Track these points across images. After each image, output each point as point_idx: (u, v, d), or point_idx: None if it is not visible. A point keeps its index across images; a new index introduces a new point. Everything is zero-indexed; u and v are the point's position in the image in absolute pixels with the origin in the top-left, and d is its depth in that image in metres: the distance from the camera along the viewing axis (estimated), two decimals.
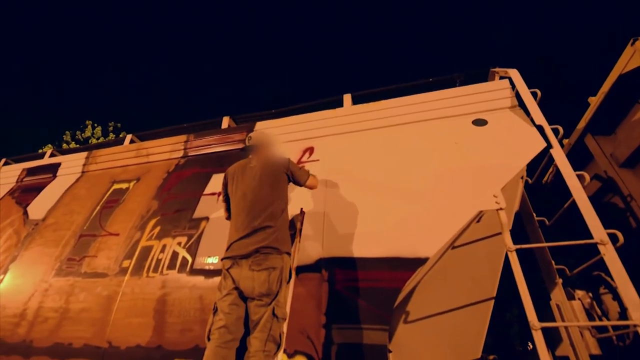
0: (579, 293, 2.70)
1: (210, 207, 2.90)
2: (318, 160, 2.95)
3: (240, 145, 3.36)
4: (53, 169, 4.22)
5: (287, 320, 1.82)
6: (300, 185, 2.28)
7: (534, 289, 2.87)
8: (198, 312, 2.30)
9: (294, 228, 2.30)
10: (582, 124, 4.23)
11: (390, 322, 2.73)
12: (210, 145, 3.53)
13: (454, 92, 3.02)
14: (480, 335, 2.67)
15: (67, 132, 14.00)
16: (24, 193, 4.04)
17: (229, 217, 2.17)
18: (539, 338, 1.75)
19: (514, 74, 2.85)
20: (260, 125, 3.51)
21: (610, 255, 1.88)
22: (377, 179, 2.64)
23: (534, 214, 2.98)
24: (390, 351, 2.59)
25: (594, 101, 3.87)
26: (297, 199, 2.58)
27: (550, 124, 2.54)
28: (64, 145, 13.15)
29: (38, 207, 3.70)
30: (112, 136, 14.00)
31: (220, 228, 2.63)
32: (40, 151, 4.81)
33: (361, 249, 2.25)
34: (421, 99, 3.07)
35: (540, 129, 2.51)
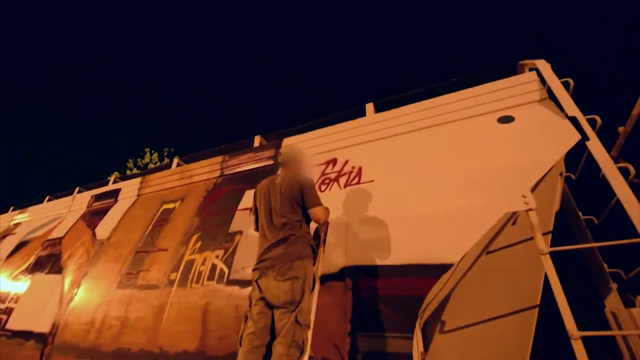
0: None
1: (243, 221, 3.11)
2: (373, 181, 2.77)
3: (269, 162, 3.57)
4: (115, 194, 4.83)
5: (311, 328, 1.89)
6: (306, 209, 2.13)
7: (585, 296, 2.62)
8: (234, 320, 2.48)
9: (318, 238, 2.38)
10: (637, 109, 3.78)
11: (425, 332, 2.67)
12: (242, 163, 3.79)
13: (477, 91, 2.92)
14: (525, 347, 2.48)
15: (129, 159, 15.70)
16: (93, 216, 4.67)
17: (257, 228, 2.32)
18: (579, 349, 1.62)
19: (541, 64, 2.68)
20: (287, 142, 3.69)
21: None
22: (400, 185, 2.64)
23: (580, 213, 2.72)
24: None
25: None
26: None
27: (600, 112, 2.32)
28: (127, 172, 14.77)
29: (103, 228, 4.25)
30: (167, 160, 15.46)
31: (252, 240, 2.81)
32: (108, 179, 5.52)
33: (384, 257, 2.26)
34: (443, 101, 3.02)
35: (574, 120, 2.33)
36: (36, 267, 4.43)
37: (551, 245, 2.29)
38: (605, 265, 2.47)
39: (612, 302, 2.31)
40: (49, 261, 4.34)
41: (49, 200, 6.07)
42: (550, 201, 2.58)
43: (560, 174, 2.63)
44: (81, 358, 2.93)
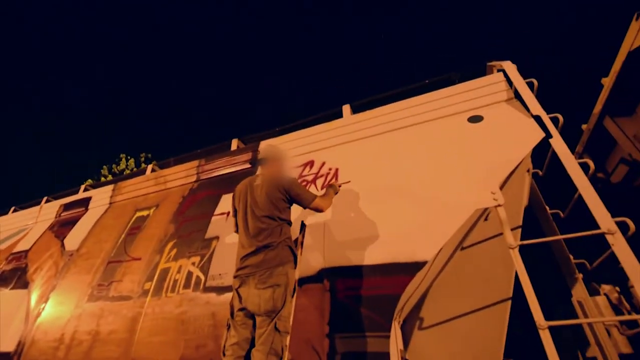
0: (605, 288, 2.52)
1: (220, 227, 3.05)
2: (349, 181, 2.78)
3: (246, 166, 3.52)
4: (85, 202, 4.62)
5: (289, 334, 1.86)
6: (305, 207, 2.16)
7: (554, 287, 2.73)
8: (211, 328, 2.41)
9: (296, 241, 2.36)
10: (598, 107, 4.01)
11: (405, 330, 2.70)
12: (219, 167, 3.72)
13: (449, 92, 2.99)
14: (500, 339, 2.55)
15: (104, 166, 15.09)
16: (62, 227, 4.44)
17: (237, 231, 2.24)
18: (546, 338, 1.68)
19: (507, 65, 2.79)
20: (264, 144, 3.66)
21: (619, 246, 1.77)
22: (375, 186, 2.67)
23: (547, 207, 2.84)
24: (406, 359, 2.55)
25: (607, 82, 3.68)
26: (298, 213, 2.66)
27: (566, 111, 2.43)
28: (102, 179, 14.19)
29: (73, 239, 4.05)
30: (143, 166, 14.98)
31: (230, 246, 2.76)
32: (80, 187, 5.26)
33: (361, 257, 2.28)
34: (417, 102, 3.08)
35: (538, 119, 2.43)
36: (0, 282, 4.17)
37: (521, 240, 2.37)
38: (572, 257, 2.59)
39: (578, 292, 2.42)
40: (14, 276, 4.10)
41: (14, 211, 5.74)
42: (519, 197, 2.68)
43: (528, 171, 2.74)
44: None
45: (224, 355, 1.84)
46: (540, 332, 1.71)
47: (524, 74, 2.80)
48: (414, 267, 2.08)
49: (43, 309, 3.40)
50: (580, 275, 2.46)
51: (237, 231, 2.23)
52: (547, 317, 1.74)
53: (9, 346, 3.29)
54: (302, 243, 2.37)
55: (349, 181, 2.78)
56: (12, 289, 3.97)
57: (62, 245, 4.06)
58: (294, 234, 2.38)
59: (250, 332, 1.87)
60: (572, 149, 4.88)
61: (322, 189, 2.85)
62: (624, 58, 3.30)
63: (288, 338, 1.84)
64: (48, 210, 4.97)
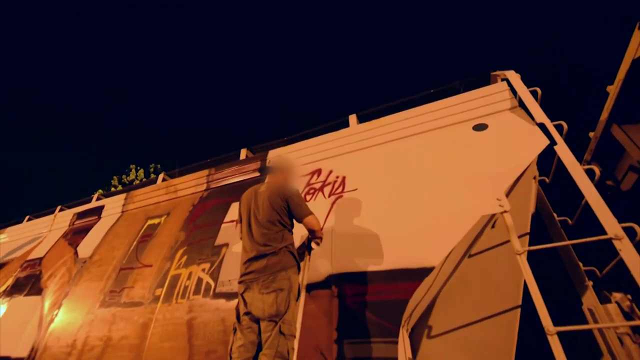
0: (617, 296, 2.49)
1: (229, 234, 3.11)
2: (356, 189, 2.82)
3: (255, 174, 3.60)
4: (98, 211, 4.74)
5: (297, 337, 1.89)
6: (298, 222, 2.16)
7: (565, 295, 2.71)
8: (221, 333, 2.45)
9: (303, 247, 2.41)
10: (604, 115, 4.01)
11: (413, 337, 2.69)
12: (228, 177, 3.80)
13: (453, 101, 3.05)
14: (510, 347, 2.53)
15: (114, 177, 15.39)
16: (75, 235, 4.56)
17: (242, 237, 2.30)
18: (555, 344, 1.68)
19: (511, 74, 2.84)
20: (272, 154, 3.74)
21: (627, 251, 1.78)
22: (382, 193, 2.71)
23: (555, 214, 2.84)
24: None
25: (612, 90, 3.70)
26: None
27: (574, 117, 2.44)
28: (112, 189, 14.46)
29: (86, 247, 4.15)
30: (153, 177, 15.24)
31: (238, 253, 2.80)
32: (92, 196, 5.40)
33: (369, 263, 2.30)
34: (421, 111, 3.14)
35: (542, 126, 2.46)
36: (14, 289, 4.27)
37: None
38: (581, 264, 2.57)
39: (589, 299, 2.40)
40: (28, 282, 4.20)
41: (28, 219, 5.90)
42: (526, 204, 2.69)
43: (534, 178, 2.76)
44: None
45: (230, 358, 1.87)
46: (549, 337, 1.71)
47: (530, 80, 2.85)
48: (421, 273, 2.10)
49: (56, 315, 3.47)
50: (590, 283, 2.44)
51: (242, 237, 2.30)
52: (558, 325, 1.74)
53: (22, 352, 3.35)
54: (309, 250, 2.41)
55: (356, 189, 2.82)
56: (26, 295, 4.06)
57: (76, 252, 4.15)
58: (300, 241, 2.44)
59: (257, 336, 1.90)
60: (580, 157, 4.87)
61: (329, 196, 2.90)
62: (628, 67, 3.33)
63: (295, 341, 1.87)
64: (62, 219, 5.10)
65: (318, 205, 2.82)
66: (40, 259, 4.50)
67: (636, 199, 3.98)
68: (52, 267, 4.20)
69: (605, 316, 2.30)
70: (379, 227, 2.47)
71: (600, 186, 4.44)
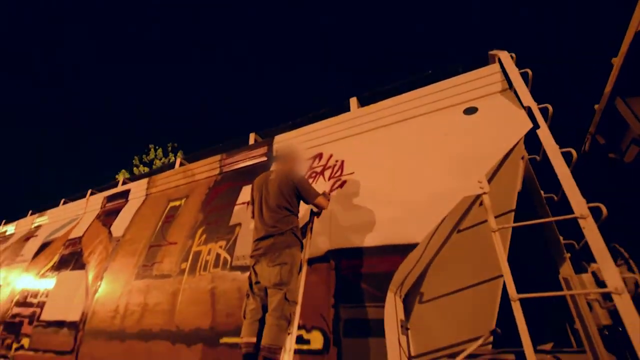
0: (594, 266, 2.70)
1: (242, 215, 3.47)
2: (353, 172, 3.06)
3: (262, 159, 3.89)
4: (125, 194, 5.22)
5: (299, 303, 2.26)
6: (308, 204, 2.55)
7: (546, 267, 2.94)
8: (238, 300, 2.87)
9: (305, 227, 2.74)
10: (609, 88, 3.98)
11: (407, 303, 3.04)
12: (238, 161, 4.12)
13: (447, 84, 3.16)
14: (493, 309, 2.83)
15: (135, 156, 16.10)
16: (107, 216, 5.08)
17: (253, 217, 2.66)
18: (517, 309, 1.94)
19: (503, 55, 2.90)
20: (278, 139, 4.00)
21: (589, 230, 1.97)
22: (376, 176, 2.94)
23: (542, 192, 3.01)
24: (408, 329, 2.90)
25: (617, 62, 3.66)
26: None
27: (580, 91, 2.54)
28: (135, 169, 15.22)
29: (118, 227, 4.66)
30: (171, 155, 15.86)
31: (250, 232, 3.17)
32: (116, 177, 5.90)
33: (362, 240, 2.60)
34: (416, 95, 3.27)
35: (528, 110, 2.58)
36: (61, 264, 4.89)
37: (514, 222, 2.61)
38: (561, 238, 2.77)
39: (565, 270, 2.63)
40: (72, 259, 4.80)
41: (64, 203, 6.52)
42: (513, 183, 2.87)
43: (522, 158, 2.91)
44: (110, 339, 3.39)
45: (244, 318, 2.30)
46: (512, 303, 1.97)
47: (538, 54, 2.90)
48: (406, 249, 2.38)
49: (99, 286, 4.03)
50: (569, 255, 2.66)
51: (253, 217, 2.64)
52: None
53: (75, 316, 3.97)
54: (311, 229, 2.74)
55: (353, 172, 3.07)
56: (71, 270, 4.67)
57: (109, 232, 4.68)
58: (305, 221, 2.76)
59: (265, 300, 2.30)
60: (585, 130, 4.86)
61: (329, 180, 3.17)
62: (631, 38, 3.29)
63: (297, 307, 2.24)
64: (94, 202, 5.64)
65: (319, 188, 3.08)
66: (80, 238, 5.09)
67: (639, 172, 4.04)
68: (90, 245, 4.77)
69: (578, 285, 2.53)
70: (372, 207, 2.74)
71: (603, 159, 4.50)
